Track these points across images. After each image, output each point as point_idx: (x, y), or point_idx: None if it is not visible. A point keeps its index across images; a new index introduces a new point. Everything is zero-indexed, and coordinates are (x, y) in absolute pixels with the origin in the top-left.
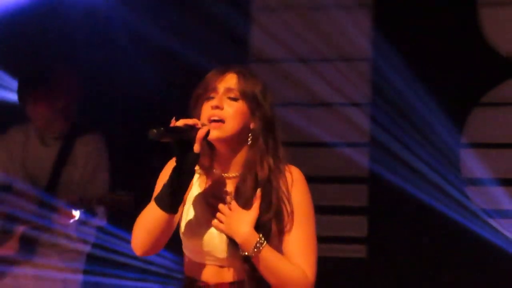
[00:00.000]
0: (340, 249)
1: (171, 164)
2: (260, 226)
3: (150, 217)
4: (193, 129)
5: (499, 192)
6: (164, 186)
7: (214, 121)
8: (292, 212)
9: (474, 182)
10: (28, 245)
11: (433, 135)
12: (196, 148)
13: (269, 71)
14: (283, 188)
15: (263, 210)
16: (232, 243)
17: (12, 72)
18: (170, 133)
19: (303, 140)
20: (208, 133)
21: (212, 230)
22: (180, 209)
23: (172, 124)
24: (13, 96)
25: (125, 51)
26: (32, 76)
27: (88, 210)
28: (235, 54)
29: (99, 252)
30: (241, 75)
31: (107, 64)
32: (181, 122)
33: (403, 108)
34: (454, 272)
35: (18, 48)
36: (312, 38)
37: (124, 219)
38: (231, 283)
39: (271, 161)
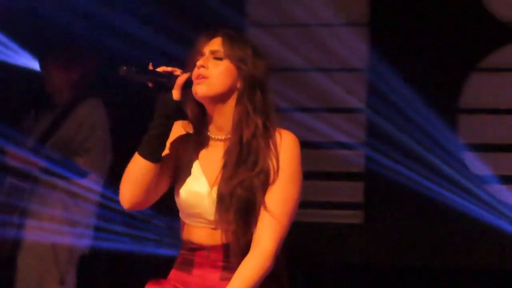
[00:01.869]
0: (337, 215)
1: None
2: (244, 184)
3: (135, 168)
4: (172, 76)
5: (497, 158)
6: (146, 134)
7: (199, 78)
8: (278, 169)
9: (472, 148)
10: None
11: (429, 101)
12: (175, 94)
13: (266, 36)
14: (272, 147)
15: (247, 168)
16: (221, 205)
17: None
18: (144, 74)
19: (298, 104)
20: (188, 81)
21: (203, 192)
22: (173, 169)
23: (150, 67)
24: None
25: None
26: (54, 47)
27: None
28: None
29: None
30: (227, 37)
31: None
32: (159, 69)
33: (401, 70)
34: (449, 238)
35: (38, 21)
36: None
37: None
38: (224, 245)
39: (258, 121)
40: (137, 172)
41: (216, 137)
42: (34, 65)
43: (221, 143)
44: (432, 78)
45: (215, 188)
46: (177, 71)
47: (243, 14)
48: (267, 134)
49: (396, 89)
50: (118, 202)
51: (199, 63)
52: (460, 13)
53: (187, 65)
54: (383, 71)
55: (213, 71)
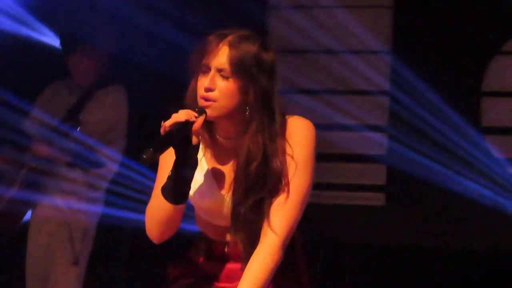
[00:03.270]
0: (359, 196)
1: None
2: (254, 204)
3: (160, 210)
4: (188, 124)
5: None
6: (169, 178)
7: (207, 100)
8: (285, 163)
9: (494, 131)
10: (34, 184)
11: (452, 84)
12: (195, 140)
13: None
14: (281, 143)
15: (257, 189)
16: (235, 212)
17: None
18: (163, 146)
19: (320, 86)
20: (204, 119)
21: (217, 197)
22: None
23: (162, 130)
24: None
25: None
26: (78, 33)
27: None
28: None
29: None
30: (234, 49)
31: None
32: (172, 121)
33: (425, 55)
34: (468, 221)
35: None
36: None
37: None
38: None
39: (266, 139)
40: (163, 214)
41: (223, 138)
42: (53, 41)
43: (229, 142)
44: (455, 61)
45: (228, 195)
46: (191, 117)
47: None
48: (277, 132)
49: (419, 73)
50: (132, 179)
51: (205, 84)
52: None
53: (189, 70)
54: (406, 54)
55: (221, 93)
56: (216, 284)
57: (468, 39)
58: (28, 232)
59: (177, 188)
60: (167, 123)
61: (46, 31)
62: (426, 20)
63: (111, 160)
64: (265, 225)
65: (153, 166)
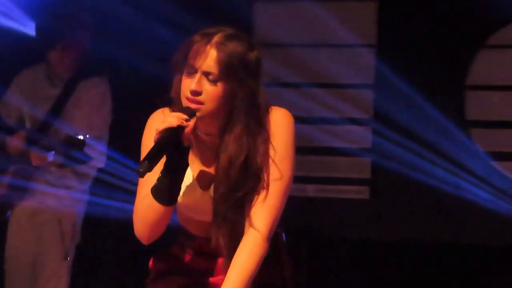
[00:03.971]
0: (344, 190)
1: (153, 121)
2: (235, 202)
3: (150, 212)
4: (180, 128)
5: (503, 134)
6: (160, 180)
7: (193, 102)
8: (268, 156)
9: (478, 124)
10: (21, 182)
11: (437, 77)
12: (186, 143)
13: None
14: (262, 137)
15: (239, 187)
16: (217, 209)
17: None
18: (156, 156)
19: (305, 79)
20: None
21: (198, 193)
22: None
23: (156, 136)
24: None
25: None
26: (60, 25)
27: (73, 148)
28: None
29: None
30: (221, 49)
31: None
32: (164, 126)
33: (409, 50)
34: (453, 213)
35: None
36: None
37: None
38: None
39: (250, 139)
40: (154, 216)
41: (204, 134)
42: (29, 29)
43: (209, 139)
44: (439, 55)
45: (210, 191)
46: (183, 121)
47: None
48: (260, 130)
49: (404, 67)
50: (121, 172)
51: (192, 86)
52: None
53: (173, 67)
54: (391, 47)
55: (208, 96)
56: (205, 279)
57: (453, 33)
58: (9, 228)
59: (169, 190)
60: (161, 128)
61: (25, 20)
62: (410, 14)
63: (98, 153)
64: (247, 220)
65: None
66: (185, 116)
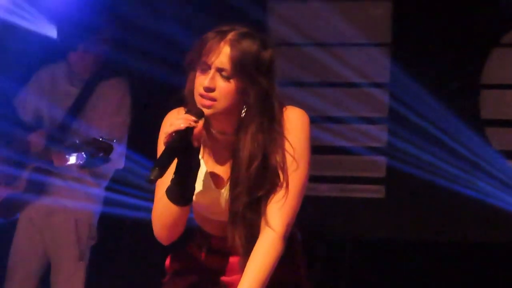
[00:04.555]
0: (359, 189)
1: (168, 121)
2: (252, 201)
3: (166, 213)
4: (188, 130)
5: None
6: (173, 182)
7: (206, 98)
8: (284, 155)
9: (493, 123)
10: (37, 185)
11: (452, 76)
12: (196, 143)
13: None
14: (278, 136)
15: (258, 187)
16: (233, 208)
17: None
18: (167, 162)
19: (320, 79)
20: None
21: (214, 193)
22: None
23: (165, 139)
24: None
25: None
26: (80, 30)
27: (99, 151)
28: None
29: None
30: (235, 49)
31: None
32: (172, 129)
33: (424, 49)
34: (468, 213)
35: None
36: None
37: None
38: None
39: (267, 138)
40: (170, 217)
41: (219, 133)
42: (51, 32)
43: (224, 138)
44: (454, 54)
45: (225, 190)
46: (191, 122)
47: None
48: (276, 129)
49: (418, 66)
50: (137, 174)
51: (205, 83)
52: None
53: (187, 65)
54: (406, 46)
55: (221, 93)
56: (219, 278)
57: (467, 32)
58: (18, 228)
59: (183, 191)
60: (169, 131)
61: (45, 22)
62: (425, 13)
63: (117, 154)
64: (263, 219)
65: None
66: (193, 118)
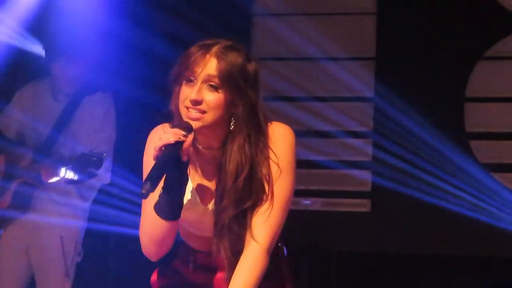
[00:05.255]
0: (345, 203)
1: (154, 137)
2: (238, 214)
3: (155, 228)
4: (177, 144)
5: (502, 146)
6: (161, 196)
7: (194, 111)
8: (269, 168)
9: (477, 136)
10: (23, 200)
11: (436, 89)
12: (185, 158)
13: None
14: (264, 149)
15: (244, 199)
16: (218, 222)
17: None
18: (158, 176)
19: (305, 93)
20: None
21: (199, 208)
22: None
23: (154, 154)
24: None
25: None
26: (64, 42)
27: (89, 166)
28: None
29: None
30: (222, 59)
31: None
32: (162, 143)
33: (408, 63)
34: (456, 224)
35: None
36: None
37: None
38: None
39: (253, 150)
40: (159, 232)
41: (204, 148)
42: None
43: (209, 152)
44: (438, 67)
45: (210, 205)
46: (180, 136)
47: (251, 1)
48: (263, 141)
49: (402, 79)
50: (123, 188)
51: (192, 96)
52: (467, 2)
53: (172, 80)
54: (390, 58)
55: (209, 105)
56: None
57: (451, 45)
58: (3, 245)
59: (172, 206)
60: (158, 146)
61: (30, 38)
62: (409, 26)
63: (103, 169)
64: (249, 233)
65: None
66: (182, 132)
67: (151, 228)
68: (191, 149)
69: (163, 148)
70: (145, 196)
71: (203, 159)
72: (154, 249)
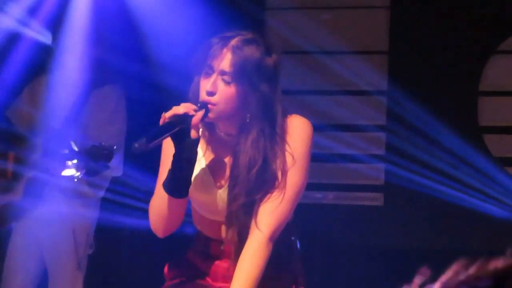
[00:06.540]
0: (358, 197)
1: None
2: (249, 203)
3: (163, 204)
4: (186, 117)
5: None
6: (169, 173)
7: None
8: (285, 162)
9: (491, 130)
10: (35, 190)
11: (449, 83)
12: (193, 134)
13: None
14: (279, 152)
15: (256, 190)
16: (230, 209)
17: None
18: (156, 137)
19: (316, 87)
20: (204, 115)
21: (213, 191)
22: None
23: (161, 120)
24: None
25: None
26: (73, 35)
27: (100, 159)
28: None
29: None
30: (237, 55)
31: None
32: (171, 113)
33: (421, 57)
34: (468, 218)
35: None
36: None
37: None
38: (237, 238)
39: (267, 143)
40: (166, 208)
41: (225, 134)
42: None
43: (230, 139)
44: (452, 61)
45: (223, 190)
46: (190, 110)
47: None
48: (277, 134)
49: (416, 72)
50: (135, 179)
51: (207, 87)
52: None
53: (192, 68)
54: (403, 52)
55: (221, 97)
56: (213, 283)
57: (465, 39)
58: (13, 237)
59: (177, 182)
60: (167, 114)
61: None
62: (422, 20)
63: (115, 162)
64: (253, 221)
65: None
66: (194, 106)
67: (159, 204)
68: (207, 134)
69: (171, 117)
70: (137, 149)
71: (221, 144)
72: (162, 226)
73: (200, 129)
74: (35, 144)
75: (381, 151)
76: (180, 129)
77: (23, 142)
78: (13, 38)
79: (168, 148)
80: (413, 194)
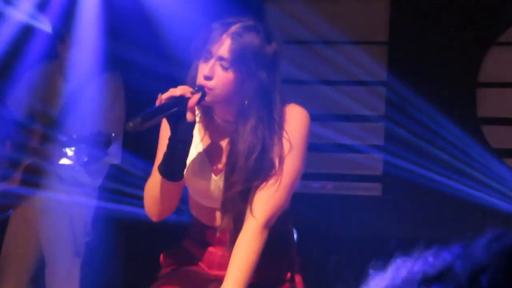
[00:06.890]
0: (356, 187)
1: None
2: (245, 190)
3: (157, 187)
4: (183, 99)
5: None
6: (165, 155)
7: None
8: (282, 149)
9: (490, 121)
10: (33, 178)
11: (448, 75)
12: (189, 117)
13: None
14: (277, 141)
15: (254, 177)
16: (226, 195)
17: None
18: (151, 117)
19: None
20: (201, 98)
21: (209, 177)
22: None
23: (158, 101)
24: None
25: None
26: (68, 20)
27: (98, 146)
28: None
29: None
30: (236, 42)
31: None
32: (167, 95)
33: (421, 47)
34: (467, 209)
35: None
36: None
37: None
38: (233, 225)
39: (266, 131)
40: (160, 191)
41: (222, 120)
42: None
43: (227, 125)
44: (451, 52)
45: (219, 177)
46: (187, 93)
47: None
48: (276, 123)
49: (416, 63)
50: (134, 166)
51: (205, 72)
52: None
53: (192, 53)
54: (403, 43)
55: (218, 82)
56: (208, 271)
57: (464, 30)
58: (10, 226)
59: (172, 165)
60: (164, 96)
61: (39, 15)
62: (422, 11)
63: (114, 150)
64: (248, 208)
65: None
66: (191, 89)
67: (153, 187)
68: (204, 120)
69: (168, 98)
70: (131, 128)
71: (219, 130)
72: (156, 210)
73: (198, 114)
74: (34, 131)
75: (380, 142)
76: (176, 111)
77: (22, 130)
78: (23, 29)
79: (165, 132)
80: (411, 185)
